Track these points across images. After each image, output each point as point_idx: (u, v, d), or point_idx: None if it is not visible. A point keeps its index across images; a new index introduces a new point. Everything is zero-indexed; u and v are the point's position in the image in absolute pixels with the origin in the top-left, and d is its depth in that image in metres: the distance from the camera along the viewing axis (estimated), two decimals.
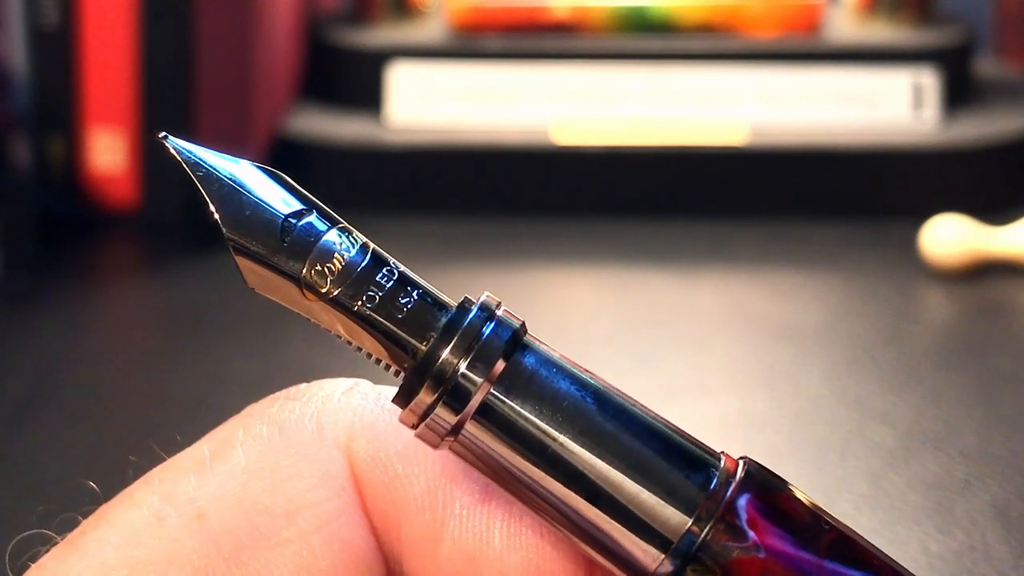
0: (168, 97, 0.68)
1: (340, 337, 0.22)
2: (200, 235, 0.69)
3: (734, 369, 0.56)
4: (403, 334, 0.21)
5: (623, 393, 0.22)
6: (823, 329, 0.59)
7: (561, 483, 0.21)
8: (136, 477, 0.23)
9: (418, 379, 0.21)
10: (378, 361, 0.22)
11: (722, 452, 0.22)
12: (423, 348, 0.21)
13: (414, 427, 0.21)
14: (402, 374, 0.21)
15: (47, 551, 0.22)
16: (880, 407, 0.52)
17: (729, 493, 0.21)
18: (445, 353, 0.21)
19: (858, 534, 0.21)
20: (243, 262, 0.22)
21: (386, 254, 0.22)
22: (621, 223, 0.70)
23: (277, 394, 0.23)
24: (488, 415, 0.21)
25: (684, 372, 0.55)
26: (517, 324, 0.21)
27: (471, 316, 0.21)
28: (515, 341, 0.21)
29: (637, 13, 0.76)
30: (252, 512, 0.21)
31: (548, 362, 0.22)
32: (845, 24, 0.79)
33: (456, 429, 0.21)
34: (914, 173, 0.72)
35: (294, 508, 0.22)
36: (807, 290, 0.64)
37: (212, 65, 0.69)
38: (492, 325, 0.21)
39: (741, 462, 0.22)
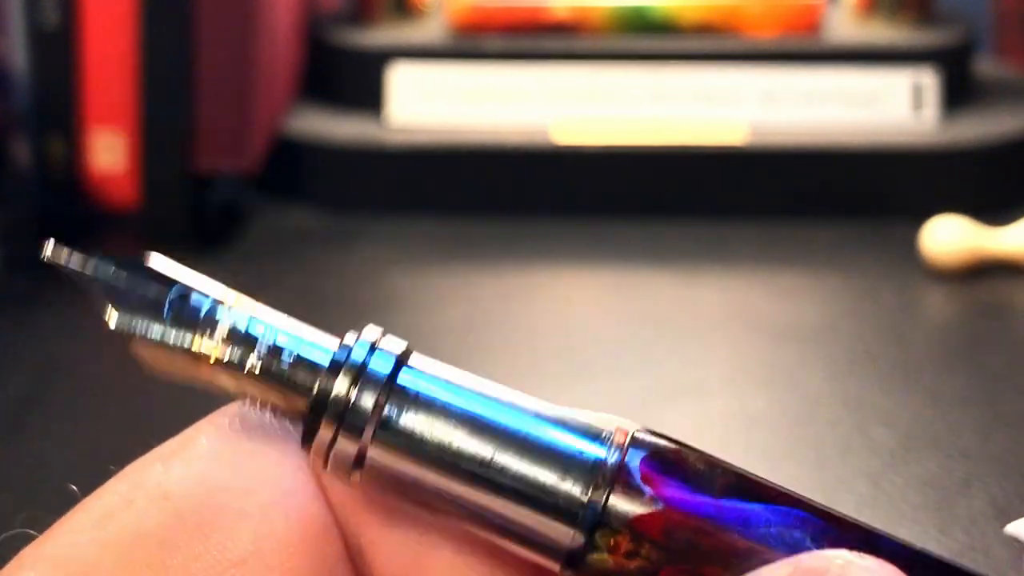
0: (168, 97, 0.68)
1: (241, 398, 0.24)
2: (200, 235, 0.69)
3: (734, 369, 0.56)
4: (292, 384, 0.23)
5: (509, 390, 0.23)
6: (823, 329, 0.59)
7: (465, 485, 0.22)
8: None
9: (315, 418, 0.22)
10: (282, 414, 0.23)
11: (615, 428, 0.23)
12: (316, 386, 0.22)
13: (324, 466, 0.23)
14: (302, 420, 0.23)
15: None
16: (880, 407, 0.52)
17: (622, 456, 0.22)
18: (335, 387, 0.22)
19: (757, 476, 0.22)
20: (140, 350, 0.24)
21: (263, 308, 0.23)
22: (621, 223, 0.70)
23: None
24: (385, 437, 0.22)
25: (684, 372, 0.55)
26: (399, 350, 0.23)
27: (352, 350, 0.22)
28: (399, 364, 0.23)
29: (637, 13, 0.76)
30: (214, 490, 0.23)
31: (434, 377, 0.23)
32: (845, 24, 0.79)
33: (360, 459, 0.22)
34: (914, 173, 0.72)
35: (254, 485, 0.23)
36: (807, 290, 0.64)
37: (212, 65, 0.69)
38: (374, 352, 0.22)
39: (631, 429, 0.23)
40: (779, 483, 0.22)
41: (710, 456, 0.22)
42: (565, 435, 0.22)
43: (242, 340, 0.23)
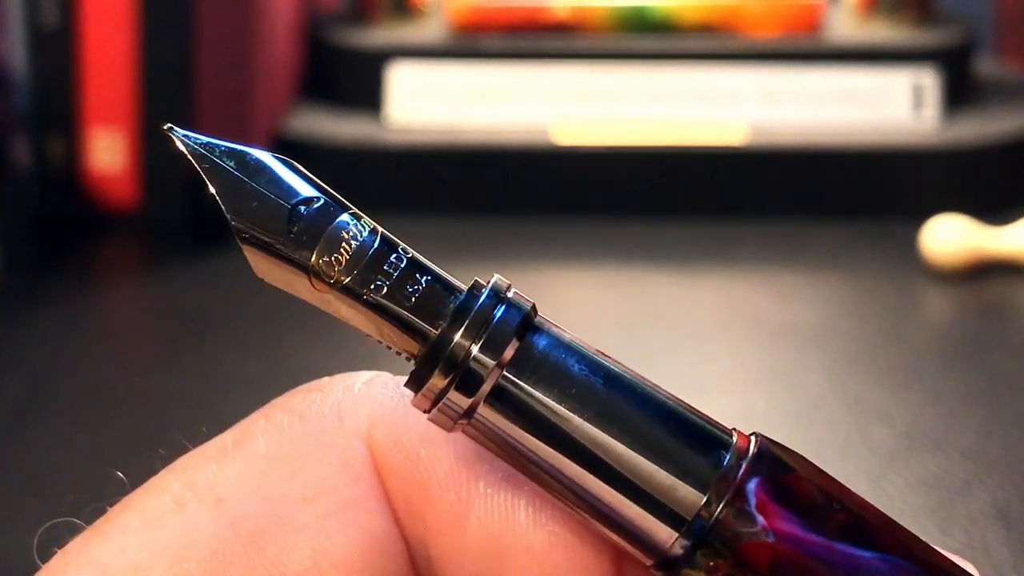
0: (168, 97, 0.68)
1: (351, 325, 0.22)
2: (200, 235, 0.69)
3: (734, 369, 0.56)
4: (413, 320, 0.21)
5: (636, 373, 0.22)
6: (823, 329, 0.59)
7: (574, 464, 0.21)
8: (161, 469, 0.23)
9: (430, 364, 0.21)
10: (389, 347, 0.22)
11: (733, 429, 0.22)
12: (434, 333, 0.21)
13: (427, 411, 0.21)
14: (414, 360, 0.21)
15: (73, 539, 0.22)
16: (880, 407, 0.52)
17: (740, 476, 0.21)
18: (456, 337, 0.21)
19: (875, 510, 0.21)
20: (250, 252, 0.22)
21: (395, 239, 0.22)
22: (621, 223, 0.70)
23: (299, 387, 0.23)
24: (501, 398, 0.21)
25: (684, 372, 0.55)
26: (528, 306, 0.21)
27: (481, 300, 0.21)
28: (526, 323, 0.21)
29: (637, 13, 0.76)
30: (270, 498, 0.22)
31: (559, 344, 0.21)
32: (845, 24, 0.79)
33: (469, 412, 0.21)
34: (914, 173, 0.72)
35: (312, 494, 0.22)
36: (807, 290, 0.64)
37: (212, 65, 0.69)
38: (503, 308, 0.21)
39: (753, 439, 0.22)
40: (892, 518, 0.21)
41: (826, 482, 0.22)
42: (687, 433, 0.21)
43: (366, 266, 0.21)
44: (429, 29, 0.78)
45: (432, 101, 0.74)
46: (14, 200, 0.66)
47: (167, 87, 0.68)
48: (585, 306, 0.64)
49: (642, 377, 0.22)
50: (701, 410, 0.22)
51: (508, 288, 0.21)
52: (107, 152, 0.69)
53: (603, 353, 0.22)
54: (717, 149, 0.72)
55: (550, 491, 0.22)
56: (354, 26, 0.78)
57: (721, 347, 0.58)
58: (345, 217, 0.22)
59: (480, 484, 0.22)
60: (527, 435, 0.21)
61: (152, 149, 0.69)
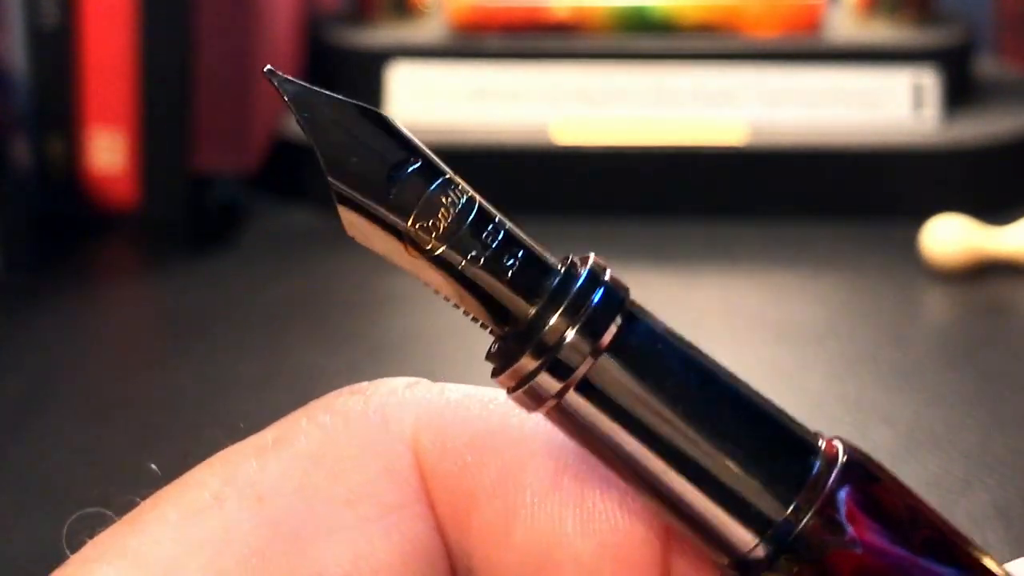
0: (168, 97, 0.68)
1: (440, 295, 0.21)
2: (200, 235, 0.69)
3: (734, 369, 0.56)
4: (508, 296, 0.20)
5: (729, 371, 0.21)
6: (823, 329, 0.59)
7: (661, 459, 0.20)
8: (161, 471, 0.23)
9: (521, 344, 0.20)
10: (475, 320, 0.21)
11: (817, 433, 0.21)
12: (529, 312, 0.20)
13: (511, 391, 0.20)
14: (502, 335, 0.21)
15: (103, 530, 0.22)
16: (880, 407, 0.52)
17: (830, 484, 0.20)
18: (553, 319, 0.20)
19: (952, 527, 0.21)
20: (345, 213, 0.21)
21: (493, 210, 0.21)
22: (621, 223, 0.70)
23: (340, 389, 0.23)
24: (591, 386, 0.20)
25: None
26: (625, 292, 0.21)
27: (581, 282, 0.20)
28: (624, 310, 0.21)
29: (637, 13, 0.76)
30: (312, 498, 0.21)
31: (655, 333, 0.21)
32: (845, 24, 0.79)
33: (557, 397, 0.20)
34: (914, 173, 0.72)
35: (355, 497, 0.21)
36: (807, 290, 0.64)
37: (212, 65, 0.69)
38: (601, 292, 0.20)
39: (840, 447, 0.21)
40: (972, 539, 0.21)
41: (907, 494, 0.21)
42: (778, 437, 0.21)
43: (463, 236, 0.21)
44: (429, 29, 0.78)
45: (432, 101, 0.74)
46: (14, 200, 0.66)
47: (167, 87, 0.68)
48: None
49: (735, 375, 0.21)
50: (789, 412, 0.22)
51: (606, 270, 0.21)
52: (107, 152, 0.69)
53: (696, 347, 0.21)
54: (717, 149, 0.72)
55: (629, 483, 0.21)
56: (354, 26, 0.78)
57: (721, 347, 0.58)
58: (444, 183, 0.21)
59: (527, 493, 0.21)
60: (616, 426, 0.20)
61: (152, 149, 0.69)
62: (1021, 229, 0.63)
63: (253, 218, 0.71)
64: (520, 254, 0.21)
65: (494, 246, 0.21)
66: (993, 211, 0.67)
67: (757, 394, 0.21)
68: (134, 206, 0.69)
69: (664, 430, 0.20)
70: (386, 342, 0.59)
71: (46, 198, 0.69)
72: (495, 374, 0.21)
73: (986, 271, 0.63)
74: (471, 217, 0.21)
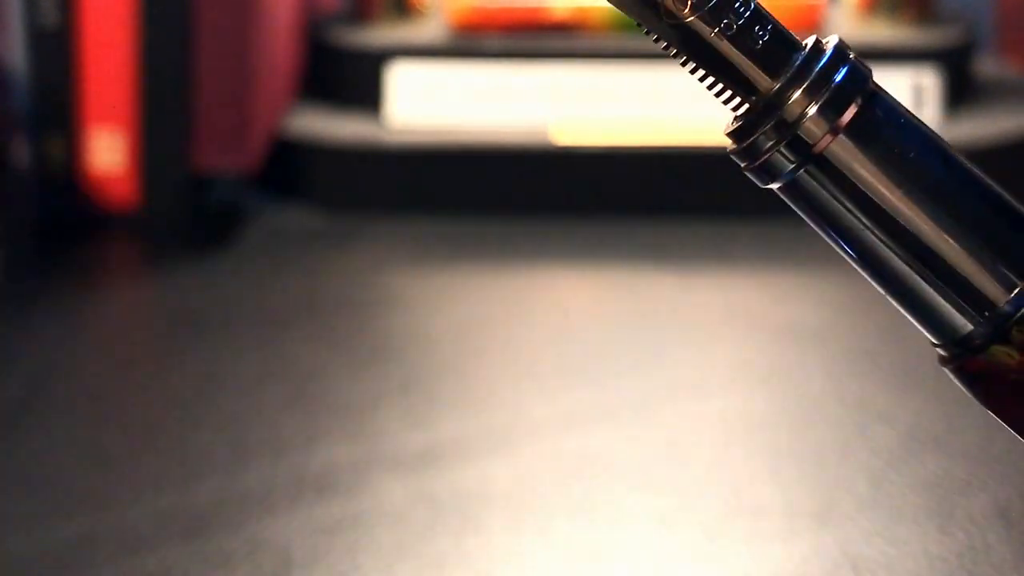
0: (168, 97, 0.68)
1: (685, 64, 0.21)
2: (200, 235, 0.69)
3: (734, 369, 0.56)
4: (756, 67, 0.21)
5: (962, 158, 0.21)
6: (823, 329, 0.59)
7: (891, 237, 0.21)
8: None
9: (765, 118, 0.21)
10: (720, 92, 0.21)
11: None
12: (775, 85, 0.21)
13: (748, 165, 0.21)
14: (745, 108, 0.21)
15: None
16: (880, 407, 0.52)
17: None
18: (797, 94, 0.21)
19: None
20: None
21: None
22: (621, 223, 0.70)
23: None
24: (829, 163, 0.21)
25: (684, 372, 0.55)
26: (868, 72, 0.21)
27: (825, 59, 0.21)
28: (866, 88, 0.21)
29: None
30: None
31: (896, 114, 0.21)
32: (845, 24, 0.79)
33: (793, 172, 0.21)
34: None
35: None
36: (807, 290, 0.64)
37: (212, 65, 0.69)
38: (845, 70, 0.21)
39: None
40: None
41: None
42: (1010, 219, 0.21)
43: (715, 7, 0.21)
44: (429, 29, 0.78)
45: (432, 101, 0.74)
46: (14, 200, 0.66)
47: (167, 87, 0.68)
48: (585, 306, 0.64)
49: (971, 165, 0.21)
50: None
51: (850, 51, 0.21)
52: (107, 152, 0.69)
53: (934, 132, 0.21)
54: (717, 149, 0.72)
55: (856, 264, 0.21)
56: (354, 26, 0.78)
57: (721, 347, 0.58)
58: None
59: None
60: (851, 204, 0.21)
61: (152, 149, 0.69)
62: None
63: (253, 218, 0.71)
64: (769, 27, 0.21)
65: (744, 18, 0.21)
66: None
67: (991, 182, 0.21)
68: (134, 206, 0.69)
69: (897, 209, 0.21)
70: (386, 342, 0.59)
71: (46, 198, 0.69)
72: (734, 149, 0.21)
73: None
74: None
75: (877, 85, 0.21)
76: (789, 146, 0.21)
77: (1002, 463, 0.47)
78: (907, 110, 0.21)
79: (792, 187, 0.21)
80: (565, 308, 0.63)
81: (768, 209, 0.71)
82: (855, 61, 0.21)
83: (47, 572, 0.41)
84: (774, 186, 0.21)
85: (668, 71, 0.74)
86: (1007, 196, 0.22)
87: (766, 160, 0.21)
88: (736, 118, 0.21)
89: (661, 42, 0.22)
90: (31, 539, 0.42)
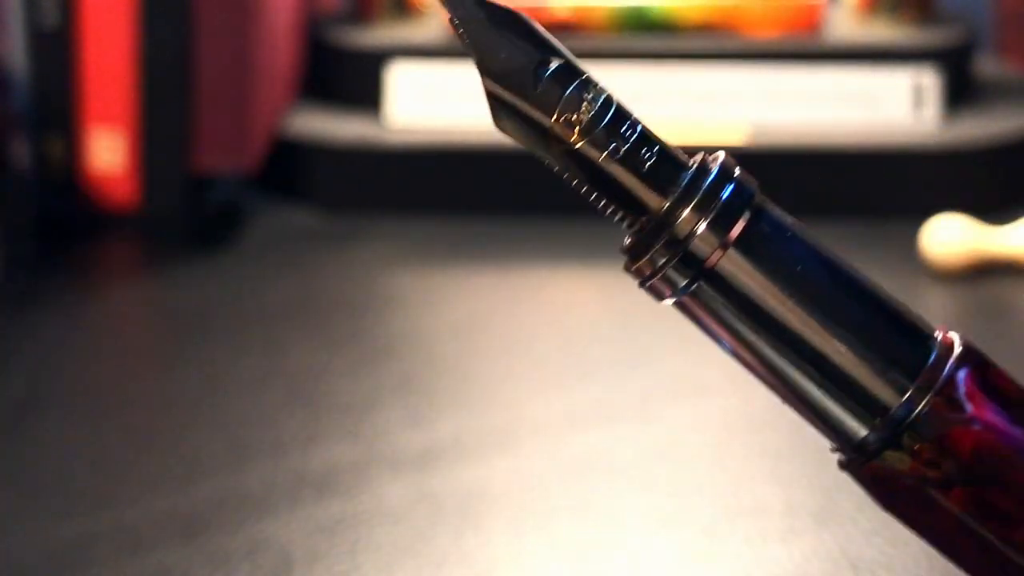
0: (168, 97, 0.68)
1: (578, 187, 0.22)
2: (200, 235, 0.69)
3: (734, 369, 0.56)
4: (645, 187, 0.22)
5: (850, 264, 0.22)
6: None
7: (784, 348, 0.21)
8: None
9: (656, 236, 0.21)
10: (613, 213, 0.22)
11: (940, 330, 0.22)
12: (664, 204, 0.21)
13: (643, 281, 0.22)
14: (637, 226, 0.22)
15: None
16: None
17: (950, 365, 0.21)
18: (686, 212, 0.21)
19: None
20: (495, 107, 0.23)
21: (628, 108, 0.22)
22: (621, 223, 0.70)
23: None
24: (720, 276, 0.21)
25: (684, 372, 0.55)
26: (755, 187, 0.22)
27: (712, 177, 0.22)
28: (752, 204, 0.22)
29: (637, 13, 0.76)
30: None
31: (783, 226, 0.22)
32: (845, 24, 0.79)
33: (687, 288, 0.21)
34: (914, 173, 0.71)
35: None
36: None
37: (212, 65, 0.69)
38: (731, 187, 0.22)
39: (956, 336, 0.22)
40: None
41: (1020, 384, 0.22)
42: (900, 325, 0.22)
43: (603, 131, 0.22)
44: (429, 29, 0.78)
45: (432, 101, 0.74)
46: (14, 200, 0.66)
47: (167, 87, 0.68)
48: (585, 306, 0.64)
49: (855, 269, 0.22)
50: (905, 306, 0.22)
51: (736, 167, 0.22)
52: (107, 152, 0.69)
53: (819, 242, 0.22)
54: (717, 149, 0.72)
55: (753, 371, 0.22)
56: (354, 26, 0.78)
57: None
58: (583, 82, 0.22)
59: None
60: (742, 315, 0.21)
61: (152, 149, 0.69)
62: (1021, 229, 0.63)
63: (253, 218, 0.71)
64: (656, 149, 0.22)
65: (631, 141, 0.22)
66: (993, 211, 0.67)
67: (877, 287, 0.22)
68: (134, 206, 0.69)
69: (788, 319, 0.21)
70: (386, 342, 0.59)
71: (46, 198, 0.69)
72: (629, 266, 0.22)
73: (986, 271, 0.63)
74: (609, 114, 0.22)
75: (764, 198, 0.22)
76: (681, 262, 0.21)
77: None
78: (794, 221, 0.22)
79: (687, 302, 0.22)
80: (567, 297, 0.63)
81: None
82: (741, 177, 0.22)
83: (47, 572, 0.41)
84: (669, 301, 0.22)
85: (668, 71, 0.74)
86: (894, 302, 0.22)
87: (661, 277, 0.22)
88: (630, 237, 0.22)
89: (554, 167, 0.22)
90: (31, 539, 0.42)
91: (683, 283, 0.21)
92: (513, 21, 0.22)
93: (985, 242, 0.63)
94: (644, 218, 0.22)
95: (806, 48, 0.74)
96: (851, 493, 0.45)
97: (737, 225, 0.21)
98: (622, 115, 0.22)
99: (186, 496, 0.44)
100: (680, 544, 0.42)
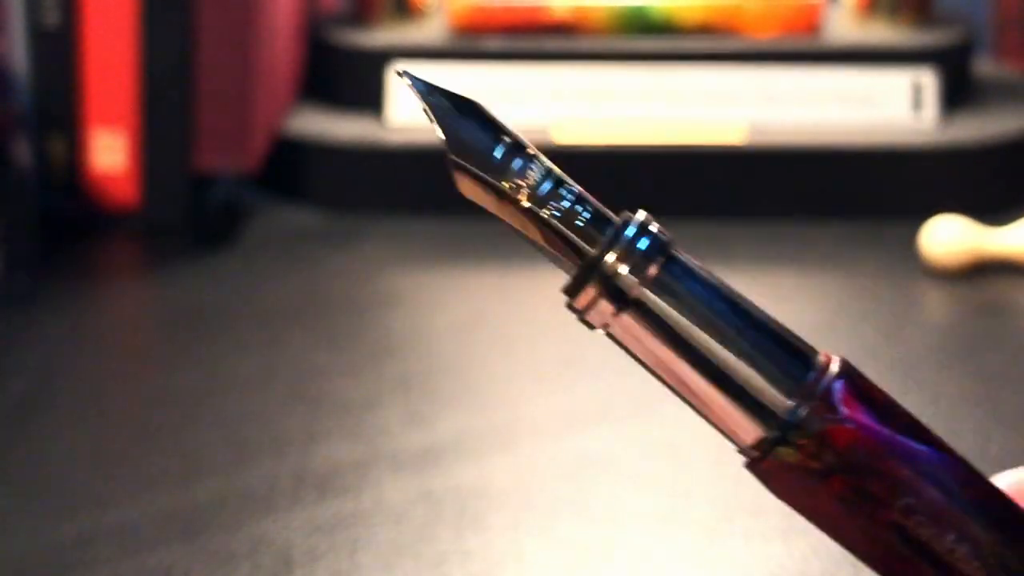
0: (168, 97, 0.68)
1: (526, 238, 0.28)
2: (200, 235, 0.69)
3: None
4: (579, 239, 0.28)
5: (748, 300, 0.28)
6: (823, 329, 0.59)
7: (693, 366, 0.27)
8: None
9: (587, 276, 0.27)
10: (555, 259, 0.28)
11: (823, 353, 0.28)
12: (594, 252, 0.27)
13: (580, 313, 0.27)
14: (574, 270, 0.27)
15: None
16: None
17: (827, 377, 0.27)
18: (611, 259, 0.27)
19: (924, 424, 0.28)
20: (460, 177, 0.28)
21: (566, 177, 0.29)
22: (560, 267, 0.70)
23: None
24: (639, 308, 0.27)
25: None
26: (667, 238, 0.28)
27: (633, 231, 0.27)
28: (664, 252, 0.28)
29: (637, 13, 0.76)
30: None
31: (690, 270, 0.28)
32: (845, 24, 0.79)
33: (614, 316, 0.27)
34: (914, 173, 0.72)
35: None
36: (807, 290, 0.64)
37: (212, 65, 0.69)
38: (647, 240, 0.27)
39: (834, 356, 0.28)
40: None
41: (889, 396, 0.28)
42: (784, 348, 0.27)
43: (545, 195, 0.28)
44: (429, 29, 0.78)
45: None
46: (15, 200, 0.66)
47: (167, 87, 0.68)
48: None
49: (753, 304, 0.28)
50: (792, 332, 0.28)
51: (651, 222, 0.28)
52: (108, 152, 0.69)
53: (724, 283, 0.28)
54: (717, 149, 0.72)
55: (668, 385, 0.27)
56: (354, 26, 0.78)
57: None
58: (530, 156, 0.28)
59: None
60: (657, 339, 0.27)
61: (152, 149, 0.69)
62: (1021, 229, 0.63)
63: (253, 218, 0.71)
64: (589, 209, 0.28)
65: (567, 203, 0.28)
66: (993, 211, 0.67)
67: (769, 318, 0.28)
68: (135, 206, 0.69)
69: (695, 343, 0.27)
70: (386, 342, 0.59)
71: (47, 198, 0.69)
72: (569, 302, 0.28)
73: (986, 271, 0.63)
74: (551, 182, 0.28)
75: (677, 248, 0.28)
76: (610, 296, 0.27)
77: (1001, 463, 0.47)
78: (702, 265, 0.28)
79: (616, 327, 0.27)
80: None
81: (768, 209, 0.71)
82: (656, 232, 0.28)
83: (47, 572, 0.41)
84: (601, 330, 0.28)
85: (668, 71, 0.74)
86: (784, 329, 0.28)
87: (593, 307, 0.27)
88: (571, 279, 0.27)
89: (505, 222, 0.28)
90: (31, 539, 0.42)
91: (611, 312, 0.27)
92: (472, 109, 0.29)
93: (984, 242, 0.63)
94: (579, 263, 0.27)
95: (805, 48, 0.74)
96: None
97: (652, 267, 0.27)
98: (561, 181, 0.29)
99: (187, 495, 0.44)
100: (680, 544, 0.42)
